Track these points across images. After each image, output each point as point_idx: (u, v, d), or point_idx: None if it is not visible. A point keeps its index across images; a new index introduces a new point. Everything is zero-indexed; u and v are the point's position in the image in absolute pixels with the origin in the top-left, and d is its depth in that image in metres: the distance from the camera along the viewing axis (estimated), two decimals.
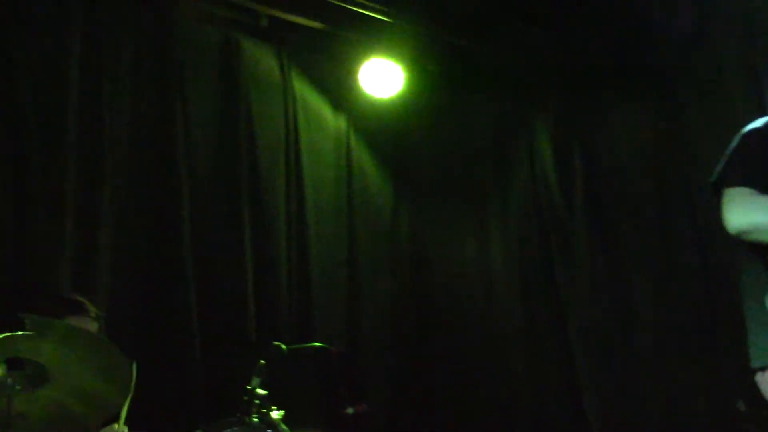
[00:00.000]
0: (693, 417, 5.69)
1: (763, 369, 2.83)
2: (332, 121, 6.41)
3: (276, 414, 3.36)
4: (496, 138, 6.95)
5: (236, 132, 5.77)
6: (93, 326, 3.82)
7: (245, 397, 3.39)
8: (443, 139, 6.82)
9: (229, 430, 3.25)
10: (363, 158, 6.55)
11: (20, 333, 2.93)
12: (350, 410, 4.85)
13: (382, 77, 6.24)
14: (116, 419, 3.47)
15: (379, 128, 6.58)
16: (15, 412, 2.92)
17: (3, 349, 2.94)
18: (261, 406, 3.35)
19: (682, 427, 5.72)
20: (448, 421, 6.17)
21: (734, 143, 2.98)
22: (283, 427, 3.33)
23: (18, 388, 2.97)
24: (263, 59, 6.04)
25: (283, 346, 4.06)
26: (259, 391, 3.39)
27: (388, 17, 5.96)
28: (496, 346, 6.46)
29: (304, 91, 6.23)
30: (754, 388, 2.89)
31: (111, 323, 4.69)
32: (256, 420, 3.29)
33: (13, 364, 2.99)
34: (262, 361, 3.51)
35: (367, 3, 5.84)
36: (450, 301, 6.63)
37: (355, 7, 5.84)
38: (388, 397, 6.14)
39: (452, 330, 6.49)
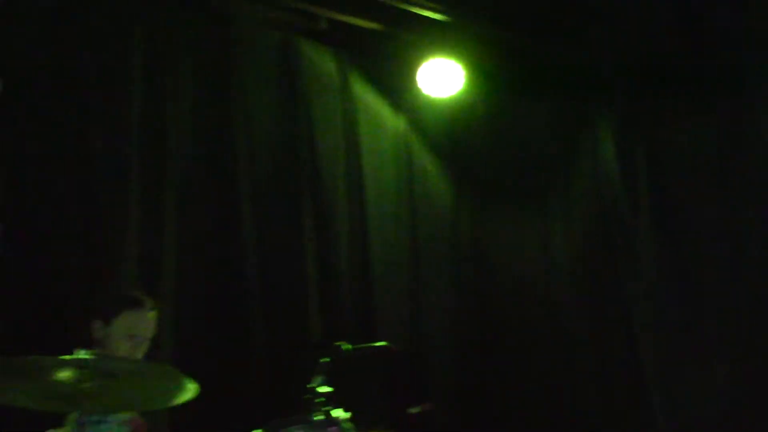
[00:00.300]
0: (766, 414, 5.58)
1: None
2: (392, 122, 6.41)
3: (339, 413, 3.35)
4: (558, 137, 6.87)
5: (296, 135, 5.81)
6: (151, 318, 3.90)
7: (308, 396, 3.39)
8: (504, 139, 6.76)
9: (292, 428, 3.26)
10: (423, 159, 6.53)
11: (84, 356, 3.01)
12: (414, 410, 4.84)
13: (442, 77, 6.21)
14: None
15: (439, 129, 6.56)
16: (86, 393, 3.00)
17: (70, 363, 3.02)
18: (324, 404, 3.35)
19: (754, 425, 5.60)
20: (513, 421, 6.11)
21: None
22: (347, 425, 3.33)
23: (88, 385, 3.03)
24: (322, 62, 6.07)
25: (346, 346, 4.05)
26: (322, 389, 3.39)
27: (446, 17, 5.93)
28: (560, 346, 6.39)
29: (363, 93, 6.24)
30: None
31: (175, 325, 4.78)
32: (319, 418, 3.29)
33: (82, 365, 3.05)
34: (324, 360, 3.51)
35: (425, 3, 5.82)
36: (513, 301, 6.58)
37: (413, 7, 5.82)
38: (452, 396, 6.11)
39: (515, 330, 6.44)
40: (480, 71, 6.40)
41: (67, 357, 3.00)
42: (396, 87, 6.39)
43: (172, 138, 5.16)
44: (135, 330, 3.82)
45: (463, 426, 6.07)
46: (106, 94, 4.92)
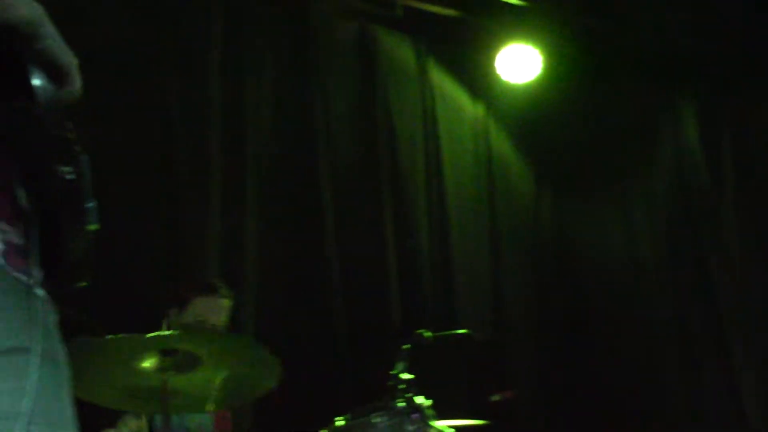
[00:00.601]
0: None
1: None
2: (470, 109, 6.39)
3: (421, 399, 3.35)
4: (639, 121, 6.78)
5: (375, 124, 5.82)
6: (224, 305, 3.92)
7: (390, 383, 3.40)
8: (584, 123, 6.68)
9: (375, 414, 3.26)
10: (502, 145, 6.49)
11: (169, 332, 3.06)
12: (496, 397, 4.82)
13: (520, 63, 6.16)
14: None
15: (518, 114, 6.51)
16: (171, 390, 3.04)
17: (155, 344, 3.06)
18: (406, 390, 3.36)
19: None
20: (596, 409, 6.05)
21: None
22: (429, 411, 3.32)
23: (171, 373, 3.07)
24: (400, 50, 6.07)
25: (427, 334, 4.05)
26: (404, 375, 3.39)
27: (524, 2, 5.88)
28: (644, 330, 6.30)
29: (441, 80, 6.23)
30: None
31: (258, 312, 4.83)
32: (401, 404, 3.29)
33: (166, 352, 3.09)
34: (406, 346, 3.51)
35: None
36: (596, 287, 6.51)
37: None
38: (535, 384, 6.07)
39: (598, 315, 6.37)
40: (558, 56, 6.33)
41: (151, 335, 3.04)
42: (474, 73, 6.35)
43: (252, 129, 5.21)
44: (207, 316, 3.82)
45: (545, 414, 6.03)
46: (187, 86, 4.98)
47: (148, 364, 3.12)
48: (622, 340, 6.26)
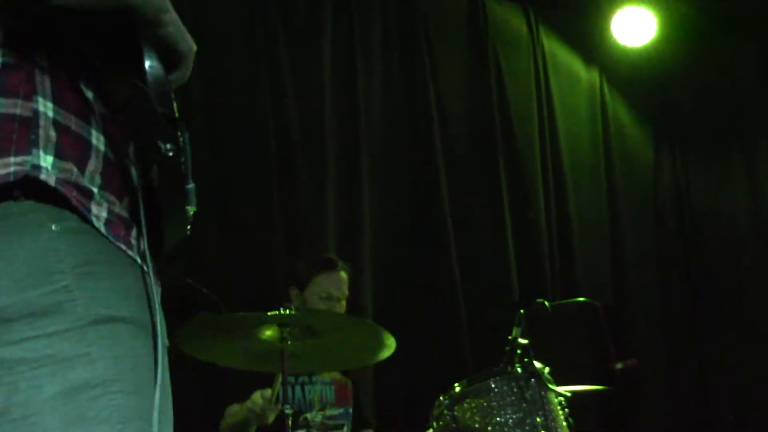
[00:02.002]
0: None
1: None
2: (584, 74, 6.29)
3: (539, 365, 3.32)
4: (761, 79, 6.54)
5: (487, 94, 5.78)
6: (343, 278, 3.99)
7: (507, 347, 3.38)
8: (704, 86, 6.49)
9: (492, 379, 3.26)
10: (619, 111, 6.37)
11: (286, 312, 3.14)
12: (619, 365, 4.74)
13: (634, 25, 6.02)
14: None
15: (634, 79, 6.37)
16: (289, 353, 3.14)
17: (275, 318, 3.17)
18: (523, 355, 3.34)
19: None
20: (722, 375, 5.90)
21: None
22: (547, 377, 3.30)
23: (289, 342, 3.15)
24: (510, 18, 6.02)
25: (547, 303, 4.01)
26: (521, 340, 3.37)
27: None
28: None
29: (553, 47, 6.15)
30: None
31: (376, 286, 4.87)
32: (518, 369, 3.28)
33: (285, 323, 3.17)
34: (522, 311, 3.49)
35: None
36: (721, 255, 6.33)
37: None
38: (658, 351, 5.95)
39: (725, 283, 6.19)
40: (675, 15, 6.16)
41: (271, 312, 3.12)
42: (587, 38, 6.26)
43: (365, 104, 5.24)
44: (330, 289, 3.93)
45: (668, 381, 5.92)
46: (299, 66, 5.04)
47: (267, 334, 3.20)
48: (747, 302, 6.08)
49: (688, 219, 6.42)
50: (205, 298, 3.47)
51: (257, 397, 3.51)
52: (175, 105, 1.34)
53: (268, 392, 3.48)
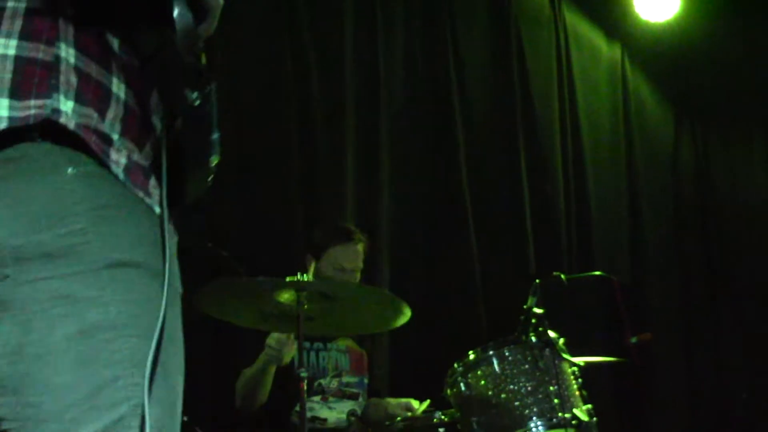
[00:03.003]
0: None
1: None
2: (606, 50, 6.27)
3: (554, 334, 3.34)
4: None
5: (509, 68, 5.76)
6: (360, 249, 3.99)
7: (522, 317, 3.40)
8: (727, 63, 6.45)
9: (506, 347, 3.27)
10: (640, 87, 6.36)
11: (304, 277, 3.19)
12: (634, 339, 4.75)
13: (657, 0, 5.98)
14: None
15: (656, 54, 6.35)
16: (305, 315, 3.17)
17: (291, 285, 3.19)
18: (538, 324, 3.35)
19: None
20: (738, 352, 5.90)
21: None
22: (561, 346, 3.31)
23: (305, 307, 3.17)
24: None
25: (563, 276, 4.02)
26: (536, 310, 3.39)
27: None
28: None
29: (575, 22, 6.13)
30: None
31: (393, 258, 4.89)
32: (533, 338, 3.29)
33: (302, 288, 3.19)
34: (538, 281, 3.50)
35: None
36: (740, 233, 6.32)
37: None
38: (674, 326, 5.96)
39: (742, 261, 6.18)
40: None
41: (289, 278, 3.15)
42: (609, 13, 6.24)
43: (385, 77, 5.23)
44: (343, 262, 3.92)
45: (684, 357, 5.93)
46: (321, 37, 5.03)
47: (284, 297, 3.23)
48: (766, 284, 6.07)
49: (707, 197, 6.40)
50: (225, 262, 3.51)
51: (273, 336, 3.54)
52: (202, 55, 1.35)
53: (285, 335, 3.51)
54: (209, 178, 1.43)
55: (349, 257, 3.96)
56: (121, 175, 1.28)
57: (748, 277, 6.12)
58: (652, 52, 6.32)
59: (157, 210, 1.33)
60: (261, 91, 4.78)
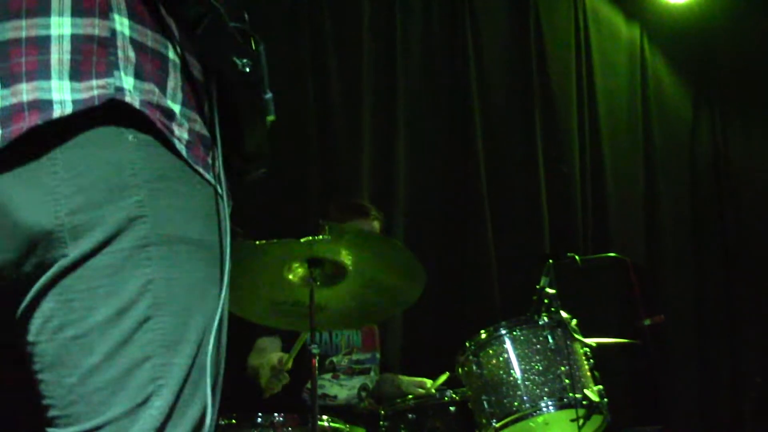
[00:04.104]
0: None
1: None
2: (625, 30, 6.23)
3: (566, 314, 3.33)
4: None
5: (527, 48, 5.75)
6: (375, 226, 3.98)
7: (534, 297, 3.40)
8: (747, 45, 6.39)
9: (518, 327, 3.28)
10: (659, 68, 6.32)
11: (320, 237, 3.08)
12: (647, 321, 4.75)
13: None
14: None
15: (675, 36, 6.31)
16: (316, 305, 3.10)
17: (305, 251, 3.13)
18: (550, 305, 3.35)
19: None
20: (756, 337, 5.89)
21: None
22: (573, 326, 3.31)
23: (318, 283, 3.15)
24: None
25: (578, 257, 4.02)
26: (548, 290, 3.38)
27: None
28: None
29: (595, 2, 6.09)
30: None
31: (408, 235, 4.90)
32: (545, 318, 3.29)
33: (314, 263, 3.16)
34: (550, 261, 3.50)
35: None
36: (757, 218, 6.28)
37: None
38: (688, 309, 5.95)
39: (758, 245, 6.15)
40: None
41: (303, 239, 3.08)
42: None
43: (403, 55, 5.23)
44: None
45: (698, 341, 5.92)
46: (338, 16, 5.02)
47: (294, 275, 3.20)
48: None
49: (725, 180, 6.37)
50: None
51: (274, 359, 3.51)
52: (246, 17, 1.34)
53: (286, 357, 3.45)
54: (267, 136, 1.42)
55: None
56: (184, 152, 1.27)
57: (765, 261, 6.08)
58: (672, 33, 6.28)
59: (214, 182, 1.32)
60: (279, 75, 4.73)
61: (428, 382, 3.87)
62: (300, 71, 4.86)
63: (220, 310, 1.29)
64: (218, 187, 1.32)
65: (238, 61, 1.31)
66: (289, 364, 3.43)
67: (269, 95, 1.38)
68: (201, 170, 1.30)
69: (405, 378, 4.00)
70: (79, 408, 1.20)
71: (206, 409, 1.27)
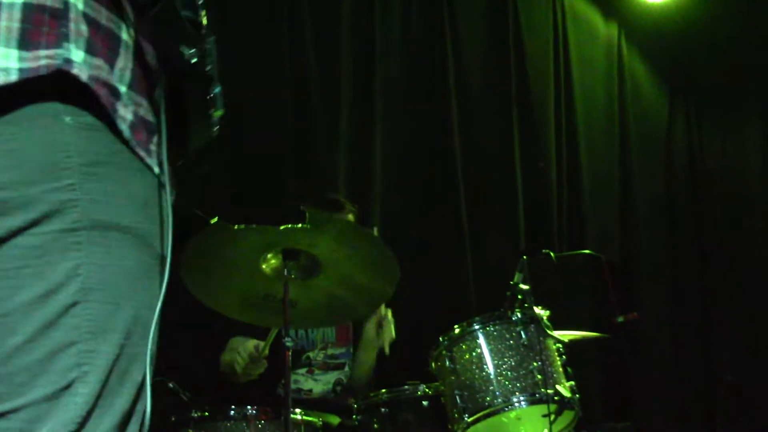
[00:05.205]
0: None
1: None
2: (603, 29, 6.25)
3: (539, 310, 3.35)
4: None
5: (505, 46, 5.76)
6: (350, 219, 3.99)
7: (508, 293, 3.42)
8: (724, 46, 6.43)
9: (491, 322, 3.29)
10: (636, 67, 6.35)
11: (300, 226, 3.06)
12: (620, 318, 4.77)
13: None
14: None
15: (652, 35, 6.34)
16: (288, 299, 3.08)
17: (282, 240, 3.10)
18: (523, 301, 3.37)
19: None
20: (727, 335, 5.93)
21: None
22: (546, 322, 3.33)
23: (293, 276, 3.15)
24: None
25: (552, 254, 4.04)
26: (522, 286, 3.40)
27: None
28: None
29: (573, 0, 6.09)
30: None
31: (384, 230, 4.89)
32: (518, 314, 3.30)
33: (289, 255, 3.15)
34: (524, 257, 3.51)
35: None
36: (731, 215, 6.33)
37: None
38: (662, 307, 5.99)
39: (735, 244, 6.20)
40: None
41: (282, 227, 3.05)
42: None
43: (381, 50, 5.22)
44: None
45: (672, 338, 5.96)
46: (317, 8, 5.02)
47: (268, 266, 3.19)
48: (755, 265, 6.09)
49: (700, 178, 6.41)
50: (197, 217, 3.32)
51: (250, 346, 3.51)
52: (202, 10, 1.33)
53: (263, 345, 3.47)
54: (213, 132, 1.41)
55: None
56: (126, 132, 1.25)
57: (738, 259, 6.13)
58: (649, 32, 6.31)
59: (156, 170, 1.30)
60: (257, 64, 4.76)
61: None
62: (278, 61, 4.85)
63: (161, 299, 1.27)
64: (161, 175, 1.31)
65: (185, 51, 1.30)
66: (266, 351, 3.43)
67: (218, 89, 1.36)
68: (143, 154, 1.28)
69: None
70: (1, 388, 1.18)
71: (139, 400, 1.25)
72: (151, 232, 1.30)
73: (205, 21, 1.33)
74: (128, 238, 1.26)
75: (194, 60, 1.30)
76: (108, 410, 1.22)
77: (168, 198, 1.33)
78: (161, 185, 1.32)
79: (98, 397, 1.20)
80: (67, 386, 1.19)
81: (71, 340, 1.20)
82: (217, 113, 1.38)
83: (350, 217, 4.00)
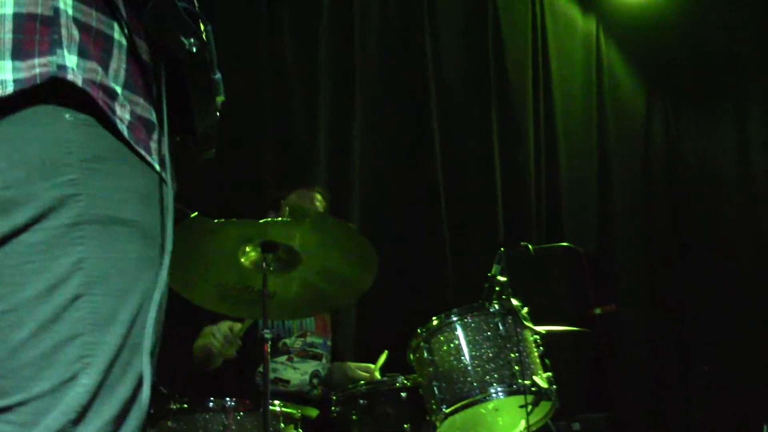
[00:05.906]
0: None
1: None
2: (581, 24, 6.29)
3: (516, 302, 3.37)
4: (760, 38, 6.53)
5: (484, 39, 5.78)
6: (317, 198, 4.01)
7: (486, 284, 3.43)
8: (701, 41, 6.49)
9: (469, 314, 3.30)
10: (614, 61, 6.40)
11: (279, 219, 3.09)
12: (598, 310, 4.82)
13: None
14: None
15: (631, 30, 6.39)
16: (267, 292, 3.09)
17: (261, 233, 3.11)
18: (501, 292, 3.38)
19: None
20: (703, 326, 5.99)
21: None
22: (524, 314, 3.35)
23: (271, 269, 3.15)
24: None
25: (530, 246, 4.06)
26: (500, 278, 3.42)
27: None
28: (756, 246, 6.16)
29: None
30: None
31: (363, 223, 4.91)
32: (496, 306, 3.32)
33: (268, 248, 3.16)
34: (502, 249, 3.53)
35: None
36: (707, 208, 6.39)
37: None
38: (640, 299, 6.04)
39: (711, 236, 6.25)
40: None
41: (261, 221, 3.08)
42: None
43: (360, 42, 5.22)
44: (300, 203, 3.88)
45: (648, 329, 6.01)
46: (296, 3, 5.02)
47: (247, 259, 3.20)
48: (732, 256, 6.15)
49: (677, 172, 6.46)
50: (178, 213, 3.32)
51: (224, 327, 3.52)
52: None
53: (238, 326, 3.47)
54: (217, 116, 1.43)
55: (307, 200, 3.97)
56: (126, 132, 1.26)
57: (715, 250, 6.19)
58: (627, 27, 6.36)
59: (158, 167, 1.31)
60: (235, 56, 4.74)
61: (372, 366, 3.90)
62: (256, 53, 4.84)
63: (160, 292, 1.28)
64: (162, 172, 1.32)
65: (185, 41, 1.31)
66: (240, 333, 3.44)
67: (218, 76, 1.38)
68: (142, 152, 1.29)
69: (353, 364, 4.03)
70: (7, 382, 1.20)
71: (139, 389, 1.27)
72: (152, 225, 1.31)
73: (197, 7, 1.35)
74: (130, 232, 1.27)
75: (195, 49, 1.31)
76: (110, 399, 1.23)
77: (170, 192, 1.35)
78: (162, 180, 1.33)
79: (100, 386, 1.22)
80: (72, 377, 1.20)
81: (76, 333, 1.21)
82: (219, 99, 1.40)
83: (318, 196, 4.03)
